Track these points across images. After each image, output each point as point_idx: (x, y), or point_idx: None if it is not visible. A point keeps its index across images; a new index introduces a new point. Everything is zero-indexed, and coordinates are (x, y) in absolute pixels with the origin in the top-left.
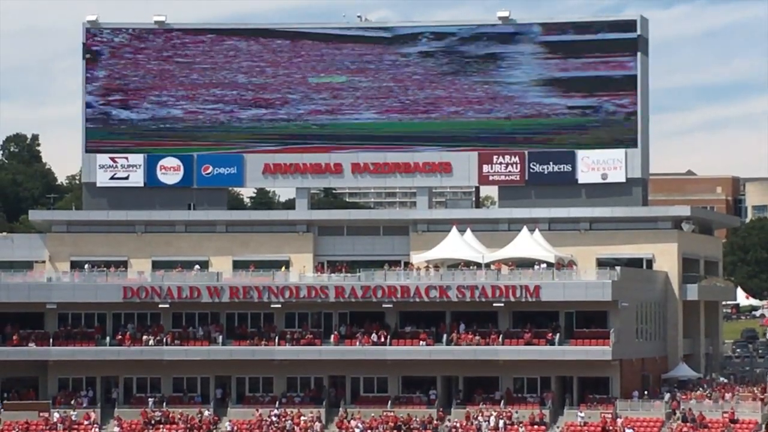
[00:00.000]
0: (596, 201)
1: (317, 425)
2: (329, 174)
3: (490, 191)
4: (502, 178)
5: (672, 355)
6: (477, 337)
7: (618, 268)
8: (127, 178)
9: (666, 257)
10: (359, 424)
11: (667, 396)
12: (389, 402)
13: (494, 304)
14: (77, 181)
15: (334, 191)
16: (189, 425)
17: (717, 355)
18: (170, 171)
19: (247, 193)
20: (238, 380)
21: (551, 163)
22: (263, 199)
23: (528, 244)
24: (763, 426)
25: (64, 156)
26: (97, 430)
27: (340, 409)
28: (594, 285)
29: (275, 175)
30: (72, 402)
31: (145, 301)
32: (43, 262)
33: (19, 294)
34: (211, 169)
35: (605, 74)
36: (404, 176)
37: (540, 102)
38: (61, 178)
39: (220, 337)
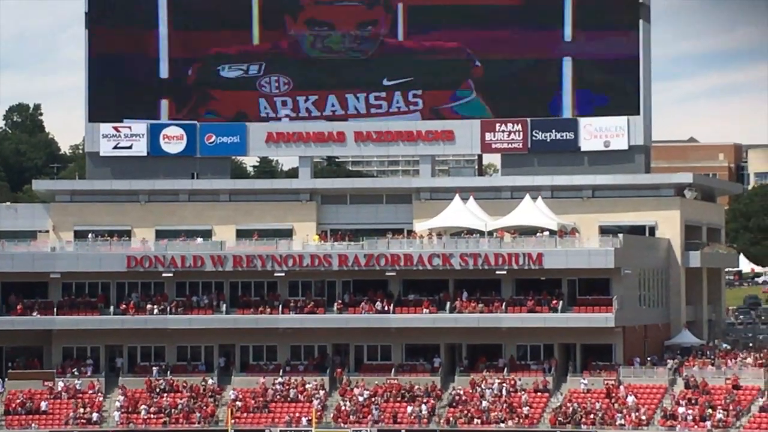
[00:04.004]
0: (599, 168)
1: (321, 393)
2: (332, 142)
3: (492, 159)
4: (505, 145)
5: (675, 322)
6: (480, 305)
7: (620, 235)
8: (130, 147)
9: (668, 224)
10: (363, 392)
11: (670, 363)
12: (393, 370)
13: (497, 272)
14: (80, 151)
15: (337, 159)
16: (193, 393)
17: (720, 321)
18: (173, 140)
19: (250, 161)
20: (242, 349)
21: (554, 130)
22: (266, 168)
23: (531, 211)
24: (766, 392)
25: (67, 125)
26: (101, 398)
27: (343, 377)
28: (597, 252)
29: (278, 143)
30: (76, 371)
31: (148, 270)
32: (47, 231)
33: (23, 263)
34: (214, 138)
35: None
36: (407, 144)
37: None
38: (65, 148)
39: (224, 305)
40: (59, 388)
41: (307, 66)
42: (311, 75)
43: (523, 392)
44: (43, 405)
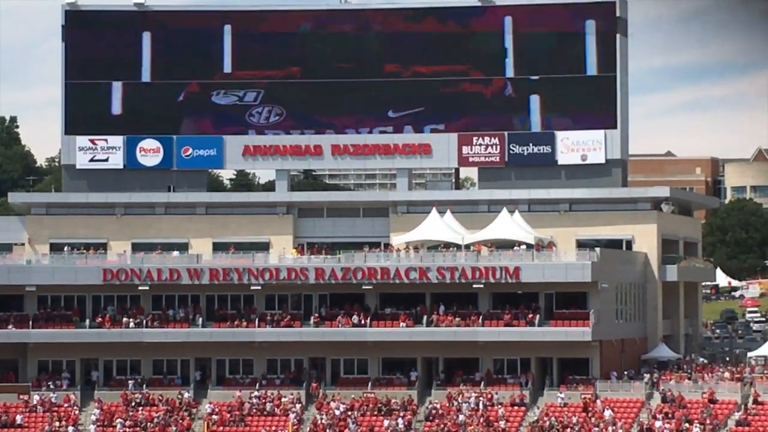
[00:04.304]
0: (576, 182)
1: (297, 407)
2: (309, 156)
3: (469, 173)
4: (482, 159)
5: (651, 335)
6: (457, 319)
7: (597, 249)
8: (106, 160)
9: (645, 238)
10: (340, 406)
11: (646, 377)
12: (369, 383)
13: (474, 286)
14: (57, 164)
15: (313, 173)
16: (169, 407)
17: (696, 335)
18: (150, 153)
19: (226, 175)
20: (218, 362)
21: (531, 144)
22: (243, 181)
23: (508, 225)
24: (742, 406)
25: (43, 138)
26: (77, 412)
27: (320, 390)
28: (574, 266)
29: (255, 156)
30: (52, 384)
31: (124, 283)
32: (23, 244)
33: None
34: (190, 151)
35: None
36: (384, 158)
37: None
38: (41, 161)
39: (200, 319)
40: (35, 402)
41: (304, 96)
42: (307, 106)
43: (499, 406)
44: (19, 418)
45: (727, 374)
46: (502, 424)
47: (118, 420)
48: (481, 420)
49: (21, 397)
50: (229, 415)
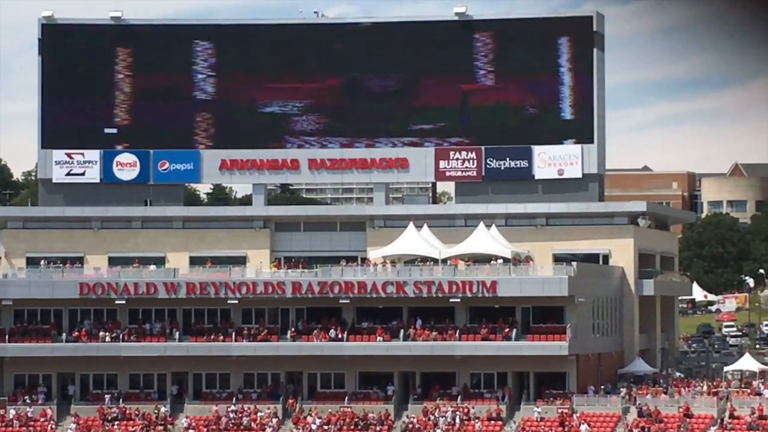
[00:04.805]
0: (553, 197)
1: (274, 421)
2: (286, 170)
3: (446, 187)
4: (459, 173)
5: (628, 350)
6: (434, 333)
7: (574, 263)
8: (83, 174)
9: (622, 253)
10: (316, 420)
11: (623, 391)
12: (346, 398)
13: (451, 300)
14: (33, 177)
15: (290, 187)
16: (146, 421)
17: (673, 350)
18: (127, 167)
19: (203, 189)
20: (194, 376)
21: (508, 158)
22: (220, 195)
23: (485, 239)
24: (719, 420)
25: (19, 152)
26: (53, 426)
27: (297, 405)
28: (550, 280)
29: (232, 171)
30: (28, 398)
31: (101, 297)
32: None
33: None
34: (167, 165)
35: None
36: (361, 172)
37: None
38: (17, 174)
39: (177, 333)
40: (11, 416)
41: (341, 109)
42: (343, 118)
43: (476, 420)
44: None
45: (704, 388)
46: None
47: None
48: None
49: None
50: (205, 430)
